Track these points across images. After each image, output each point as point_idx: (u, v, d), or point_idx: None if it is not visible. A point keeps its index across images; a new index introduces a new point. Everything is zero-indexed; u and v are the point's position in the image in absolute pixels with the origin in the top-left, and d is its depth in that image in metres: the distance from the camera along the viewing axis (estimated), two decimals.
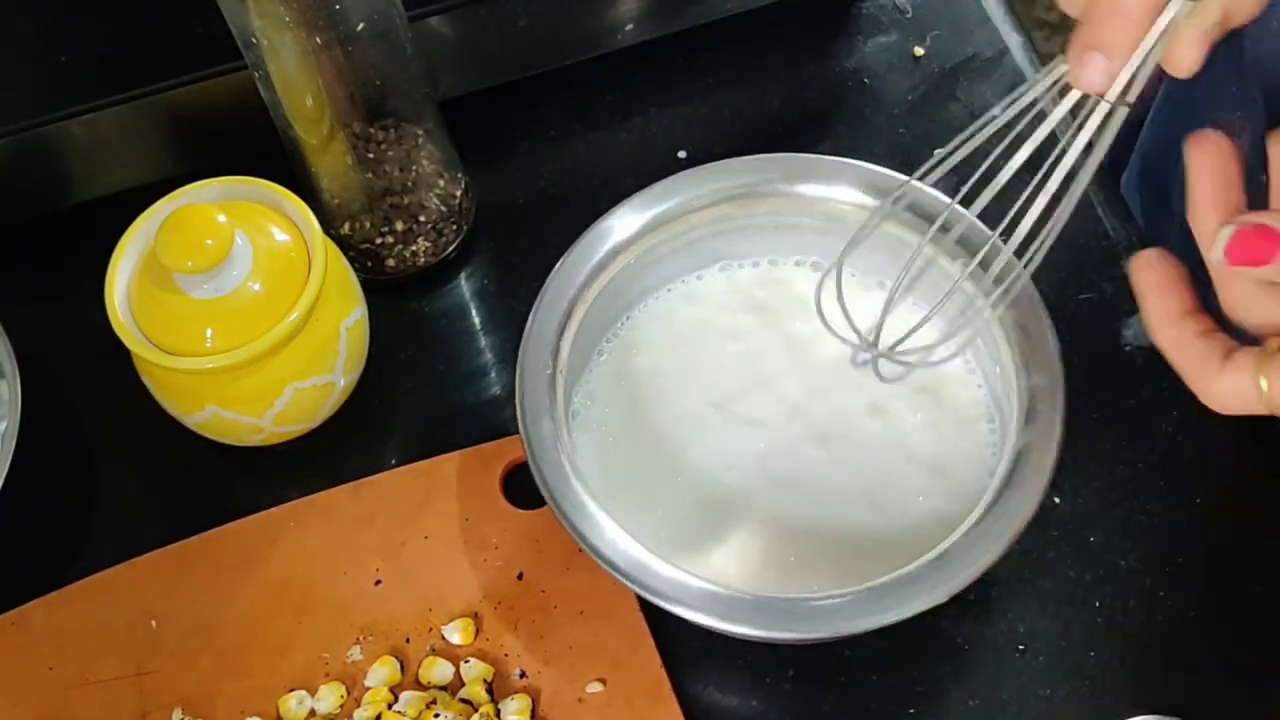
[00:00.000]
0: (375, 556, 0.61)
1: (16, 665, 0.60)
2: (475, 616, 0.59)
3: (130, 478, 0.66)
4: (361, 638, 0.59)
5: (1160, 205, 0.74)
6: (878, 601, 0.50)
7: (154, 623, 0.60)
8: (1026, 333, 0.55)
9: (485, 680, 0.57)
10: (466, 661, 0.58)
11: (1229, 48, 0.64)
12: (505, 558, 0.60)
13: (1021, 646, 0.58)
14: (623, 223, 0.59)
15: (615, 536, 0.52)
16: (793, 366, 0.60)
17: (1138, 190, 0.78)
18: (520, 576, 0.60)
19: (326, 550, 0.61)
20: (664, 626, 0.58)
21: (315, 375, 0.60)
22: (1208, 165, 0.43)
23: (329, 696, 0.57)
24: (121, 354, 0.60)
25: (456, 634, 0.58)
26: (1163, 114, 0.76)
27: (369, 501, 0.62)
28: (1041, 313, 0.55)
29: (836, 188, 0.59)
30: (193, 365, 0.57)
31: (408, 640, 0.59)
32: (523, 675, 0.57)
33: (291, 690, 0.58)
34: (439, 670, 0.58)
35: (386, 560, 0.61)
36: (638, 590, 0.51)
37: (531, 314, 0.57)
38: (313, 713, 0.57)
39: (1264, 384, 0.41)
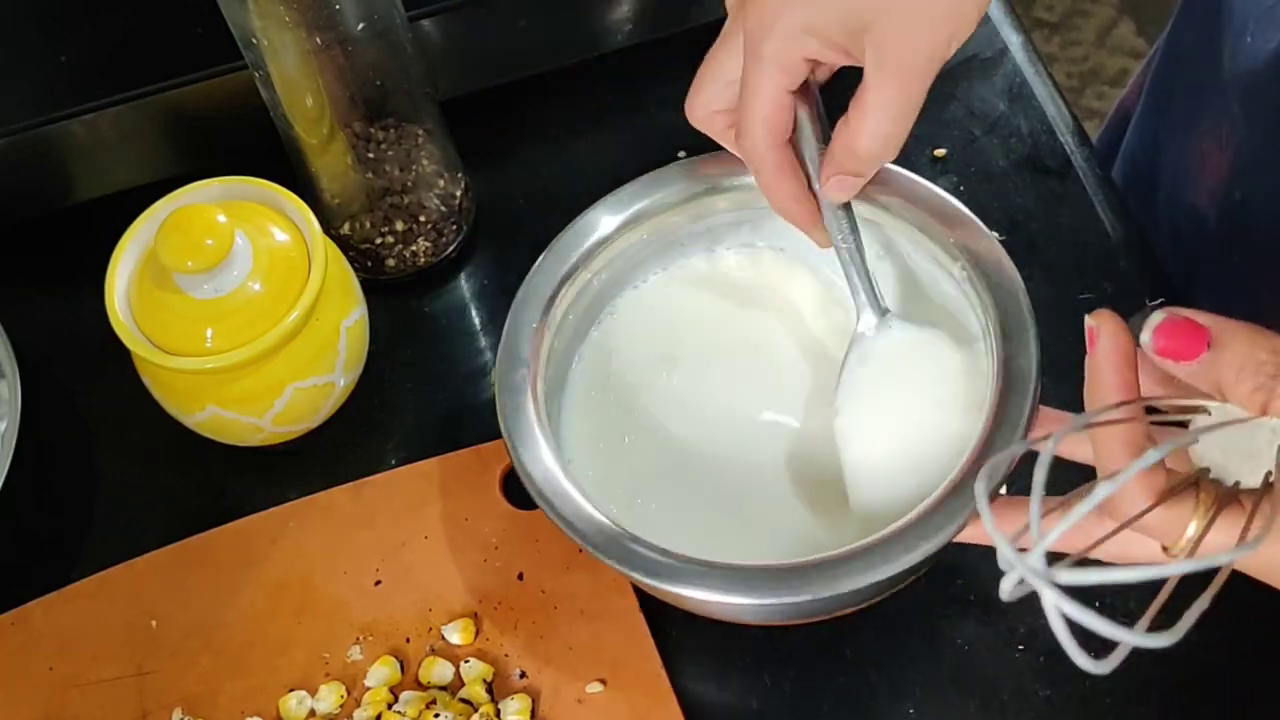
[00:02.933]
0: (375, 556, 0.61)
1: (16, 665, 0.60)
2: (475, 616, 0.59)
3: (130, 478, 0.66)
4: (361, 638, 0.59)
5: (1145, 205, 0.74)
6: (853, 563, 0.49)
7: (154, 623, 0.60)
8: (1005, 311, 0.54)
9: (485, 680, 0.57)
10: (466, 661, 0.58)
11: (1208, 61, 0.65)
12: (505, 558, 0.60)
13: (1021, 646, 0.58)
14: (606, 216, 0.59)
15: (582, 502, 0.52)
16: (778, 351, 0.60)
17: (1128, 191, 0.78)
18: (520, 576, 0.60)
19: (326, 550, 0.61)
20: (664, 626, 0.58)
21: (315, 375, 0.60)
22: (1109, 346, 0.42)
23: (329, 696, 0.57)
24: (121, 354, 0.60)
25: (456, 634, 0.58)
26: (1146, 122, 0.76)
27: (369, 501, 0.62)
28: (1020, 293, 0.54)
29: None
30: (193, 365, 0.57)
31: (408, 640, 0.59)
32: (523, 675, 0.57)
33: (291, 690, 0.58)
34: (439, 670, 0.58)
35: (386, 560, 0.61)
36: (614, 565, 0.51)
37: (514, 305, 0.57)
38: (313, 713, 0.57)
39: (1192, 529, 0.41)
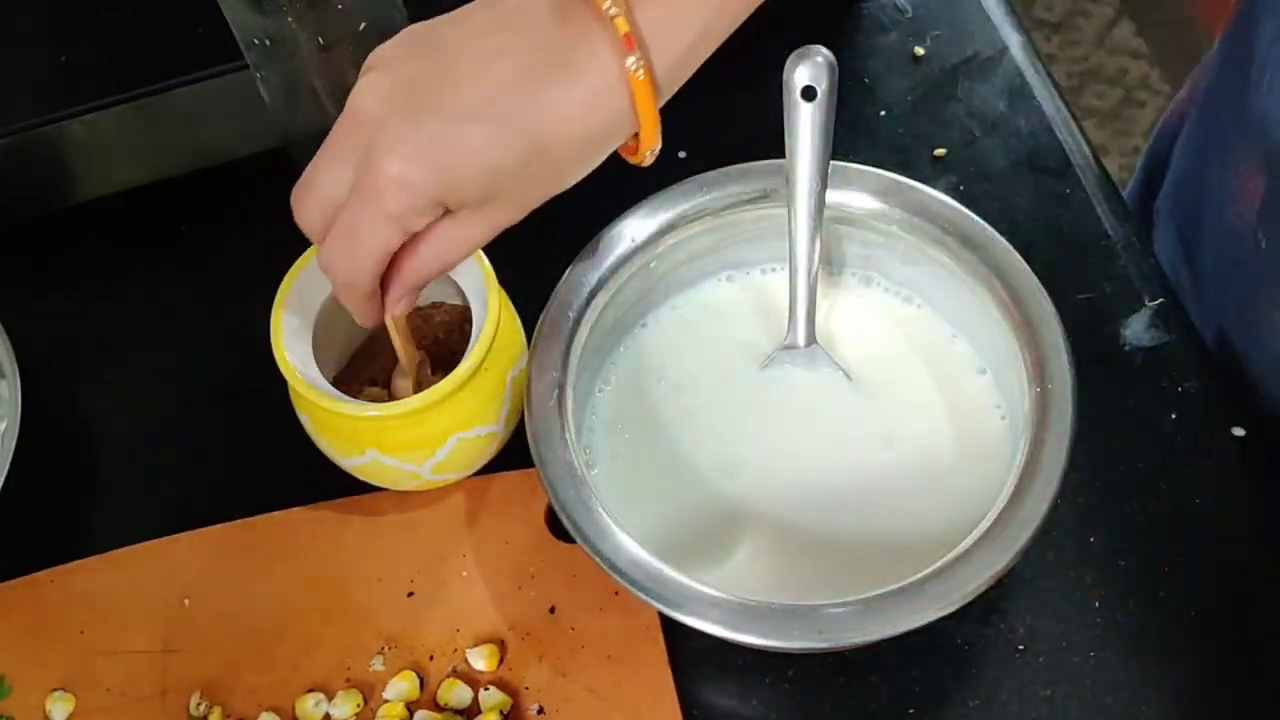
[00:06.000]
0: (411, 567, 0.60)
1: (50, 624, 0.60)
2: (501, 644, 0.58)
3: (130, 478, 0.66)
4: (386, 648, 0.59)
5: (1194, 228, 0.73)
6: (892, 610, 0.50)
7: (187, 601, 0.60)
8: (1037, 340, 0.55)
9: (502, 711, 0.56)
10: (486, 689, 0.57)
11: (1242, 91, 0.64)
12: (540, 589, 0.59)
13: (1021, 646, 0.58)
14: (634, 228, 0.59)
15: (624, 543, 0.52)
16: (804, 373, 0.60)
17: (1172, 213, 0.77)
18: (552, 610, 0.59)
19: (364, 554, 0.61)
20: (664, 626, 0.58)
21: (480, 426, 0.58)
22: None
23: (345, 704, 0.57)
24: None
25: (481, 660, 0.57)
26: (1191, 141, 0.75)
27: (414, 510, 0.61)
28: (1055, 325, 0.55)
29: (848, 193, 0.59)
30: (359, 411, 0.55)
31: (431, 658, 0.58)
32: (540, 711, 0.57)
33: (310, 691, 0.57)
34: (458, 694, 0.57)
35: (422, 573, 0.60)
36: (645, 597, 0.51)
37: (541, 320, 0.57)
38: (328, 717, 0.57)
39: None
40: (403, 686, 0.57)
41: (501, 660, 0.58)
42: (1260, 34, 0.62)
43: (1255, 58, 0.62)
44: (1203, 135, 0.73)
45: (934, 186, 0.59)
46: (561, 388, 0.55)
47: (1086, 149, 0.71)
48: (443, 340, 0.62)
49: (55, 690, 0.58)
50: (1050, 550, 0.59)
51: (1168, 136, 0.80)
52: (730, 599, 0.50)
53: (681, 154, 0.72)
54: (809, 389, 0.59)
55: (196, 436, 0.66)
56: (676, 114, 0.69)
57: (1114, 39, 1.86)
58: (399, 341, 0.57)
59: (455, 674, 0.58)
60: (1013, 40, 0.75)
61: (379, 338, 0.63)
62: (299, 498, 0.62)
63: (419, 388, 0.57)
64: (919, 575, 0.50)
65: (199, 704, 0.58)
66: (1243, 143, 0.64)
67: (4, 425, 0.61)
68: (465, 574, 0.60)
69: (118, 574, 0.61)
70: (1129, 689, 0.57)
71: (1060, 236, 0.68)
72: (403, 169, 0.46)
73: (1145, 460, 0.61)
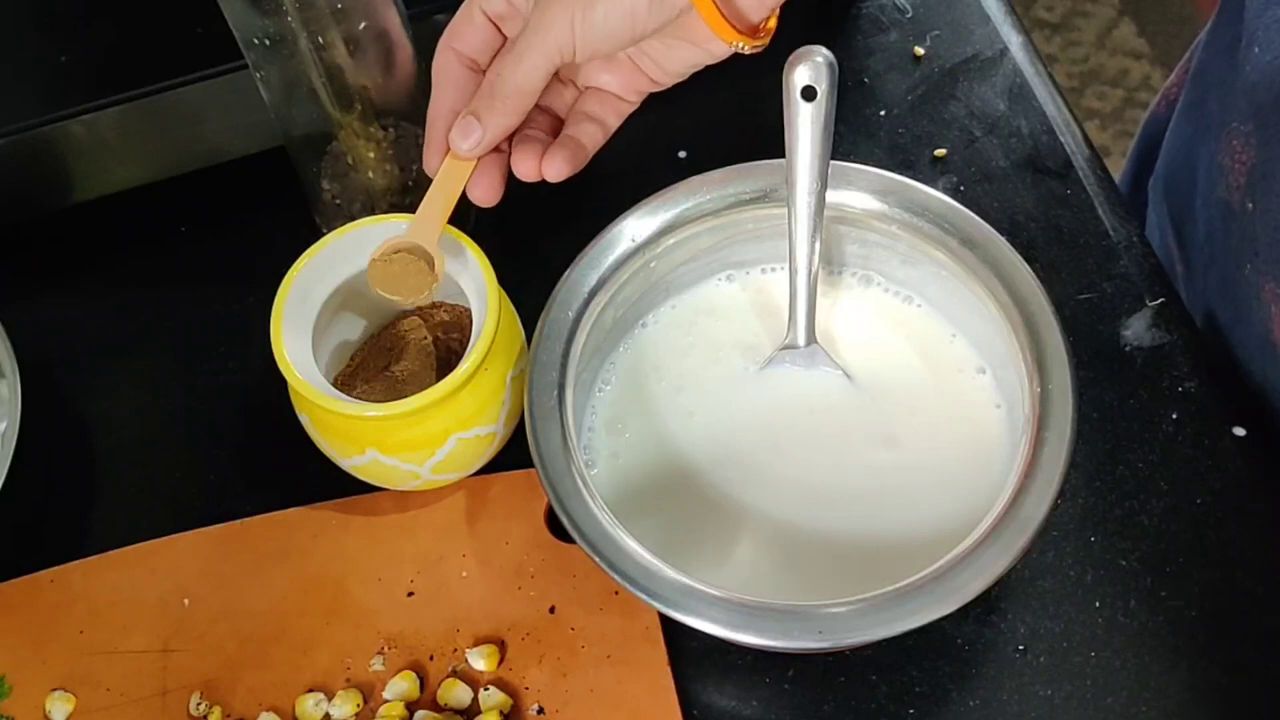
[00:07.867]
0: (411, 567, 0.60)
1: (49, 624, 0.60)
2: (501, 644, 0.58)
3: (130, 479, 0.66)
4: (386, 648, 0.59)
5: (1185, 205, 0.74)
6: (892, 610, 0.49)
7: (187, 601, 0.60)
8: (1037, 340, 0.55)
9: (502, 711, 0.56)
10: (486, 689, 0.57)
11: (1233, 63, 0.64)
12: (540, 589, 0.59)
13: (1021, 646, 0.58)
14: (634, 228, 0.59)
15: (624, 543, 0.52)
16: (804, 373, 0.60)
17: (1164, 195, 0.78)
18: (552, 610, 0.59)
19: (364, 554, 0.61)
20: (664, 626, 0.58)
21: (479, 426, 0.58)
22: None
23: (345, 703, 0.57)
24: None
25: (480, 660, 0.58)
26: (1182, 122, 0.76)
27: (413, 510, 0.61)
28: (1055, 325, 0.55)
29: (848, 193, 0.59)
30: (357, 411, 0.55)
31: (431, 658, 0.58)
32: (540, 711, 0.57)
33: (310, 690, 0.58)
34: (457, 694, 0.57)
35: (422, 572, 0.60)
36: (645, 598, 0.51)
37: (541, 320, 0.57)
38: (328, 717, 0.57)
39: None
40: (403, 686, 0.57)
41: (501, 660, 0.58)
42: (1250, 6, 0.62)
43: (1244, 30, 0.62)
44: (1194, 117, 0.74)
45: (934, 186, 0.59)
46: (561, 388, 0.55)
47: (1087, 150, 0.71)
48: (442, 340, 0.62)
49: (55, 690, 0.58)
50: (1050, 550, 0.59)
51: (1158, 123, 0.81)
52: (730, 599, 0.50)
53: (682, 154, 0.72)
54: (809, 389, 0.59)
55: (196, 436, 0.66)
56: (677, 114, 0.70)
57: (1115, 40, 1.86)
58: (434, 194, 0.58)
59: (455, 674, 0.58)
60: (1013, 40, 0.75)
61: (381, 337, 0.63)
62: (299, 498, 0.62)
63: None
64: (919, 575, 0.50)
65: (199, 704, 0.58)
66: (1233, 117, 0.65)
67: (4, 425, 0.61)
68: (465, 574, 0.60)
69: (118, 574, 0.61)
70: (1129, 689, 0.57)
71: (1060, 236, 0.68)
72: None
73: (1145, 460, 0.62)
